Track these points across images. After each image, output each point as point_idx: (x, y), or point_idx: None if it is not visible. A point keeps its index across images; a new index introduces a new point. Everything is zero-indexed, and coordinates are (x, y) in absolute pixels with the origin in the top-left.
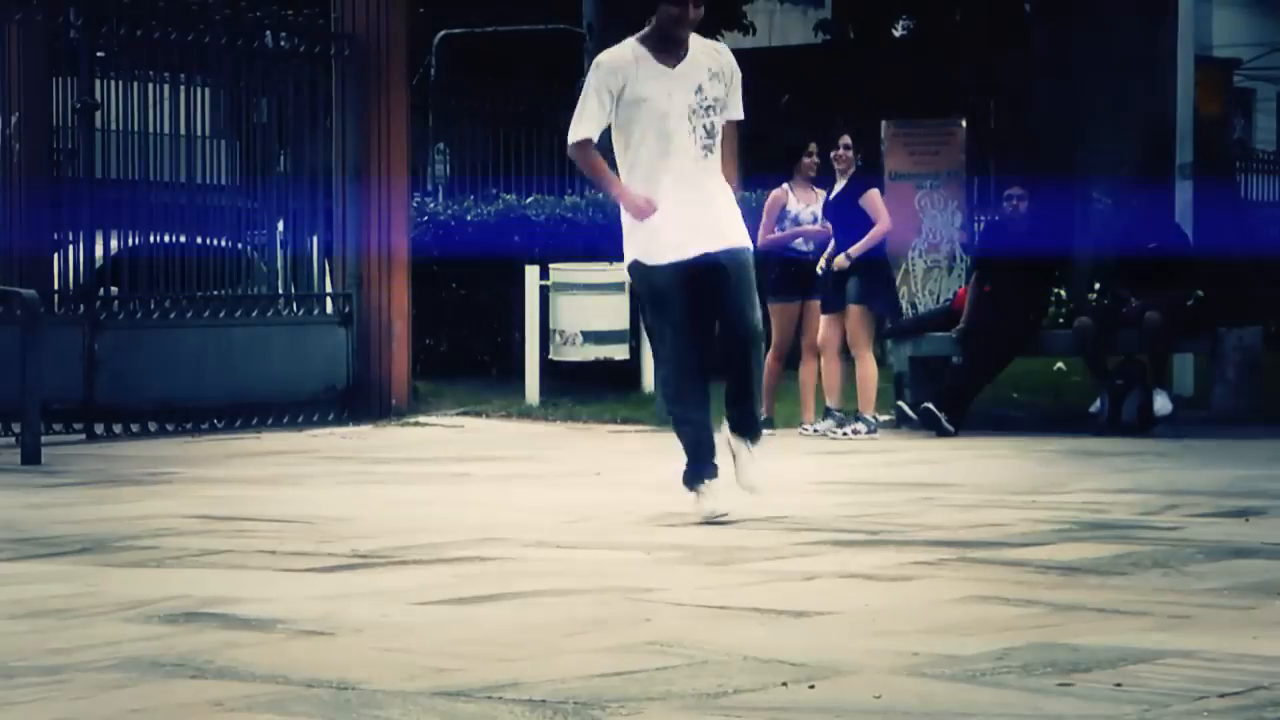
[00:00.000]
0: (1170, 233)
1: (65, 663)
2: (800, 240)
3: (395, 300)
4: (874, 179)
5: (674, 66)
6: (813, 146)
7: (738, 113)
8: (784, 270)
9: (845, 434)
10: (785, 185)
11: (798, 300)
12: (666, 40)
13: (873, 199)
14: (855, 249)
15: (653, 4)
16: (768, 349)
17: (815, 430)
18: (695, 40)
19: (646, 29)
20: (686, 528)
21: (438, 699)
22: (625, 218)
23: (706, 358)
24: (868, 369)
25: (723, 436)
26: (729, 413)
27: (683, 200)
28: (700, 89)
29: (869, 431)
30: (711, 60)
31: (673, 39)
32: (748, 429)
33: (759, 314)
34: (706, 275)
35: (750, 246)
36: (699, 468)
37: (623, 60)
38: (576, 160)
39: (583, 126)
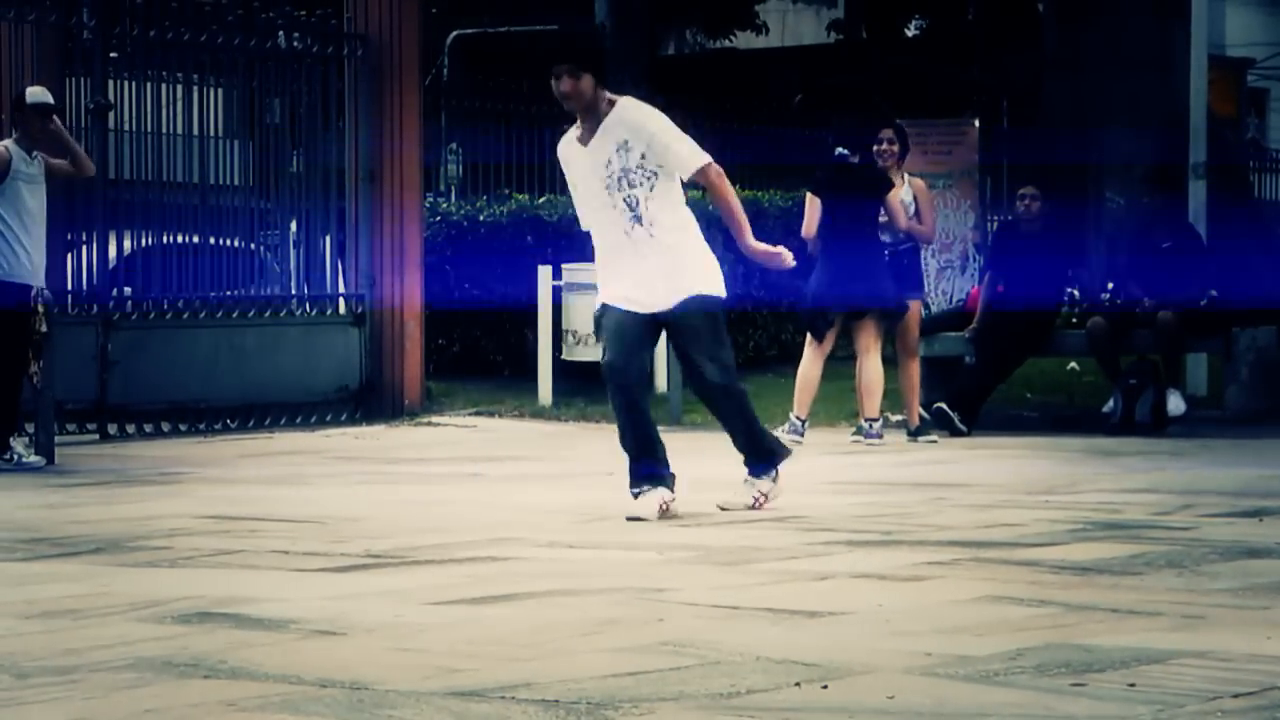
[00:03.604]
0: (1183, 232)
1: (78, 663)
2: (887, 234)
3: (408, 300)
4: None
5: (586, 144)
6: (886, 132)
7: (680, 169)
8: None
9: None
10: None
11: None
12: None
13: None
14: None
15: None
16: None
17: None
18: (615, 109)
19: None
20: (699, 528)
21: (451, 699)
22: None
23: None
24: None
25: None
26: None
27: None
28: (609, 162)
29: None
30: (621, 129)
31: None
32: (751, 464)
33: (717, 365)
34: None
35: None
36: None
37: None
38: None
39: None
